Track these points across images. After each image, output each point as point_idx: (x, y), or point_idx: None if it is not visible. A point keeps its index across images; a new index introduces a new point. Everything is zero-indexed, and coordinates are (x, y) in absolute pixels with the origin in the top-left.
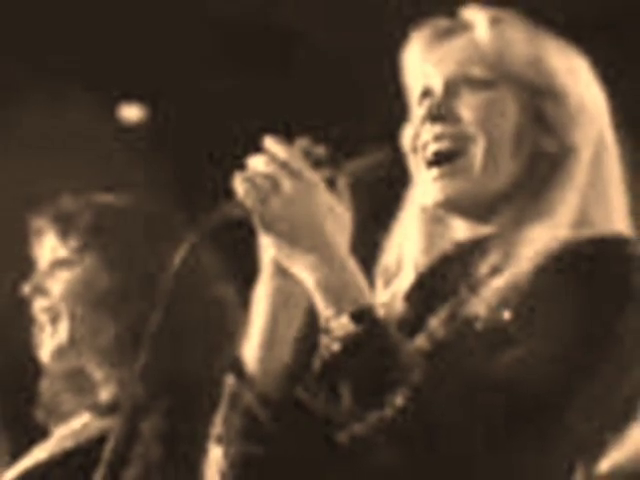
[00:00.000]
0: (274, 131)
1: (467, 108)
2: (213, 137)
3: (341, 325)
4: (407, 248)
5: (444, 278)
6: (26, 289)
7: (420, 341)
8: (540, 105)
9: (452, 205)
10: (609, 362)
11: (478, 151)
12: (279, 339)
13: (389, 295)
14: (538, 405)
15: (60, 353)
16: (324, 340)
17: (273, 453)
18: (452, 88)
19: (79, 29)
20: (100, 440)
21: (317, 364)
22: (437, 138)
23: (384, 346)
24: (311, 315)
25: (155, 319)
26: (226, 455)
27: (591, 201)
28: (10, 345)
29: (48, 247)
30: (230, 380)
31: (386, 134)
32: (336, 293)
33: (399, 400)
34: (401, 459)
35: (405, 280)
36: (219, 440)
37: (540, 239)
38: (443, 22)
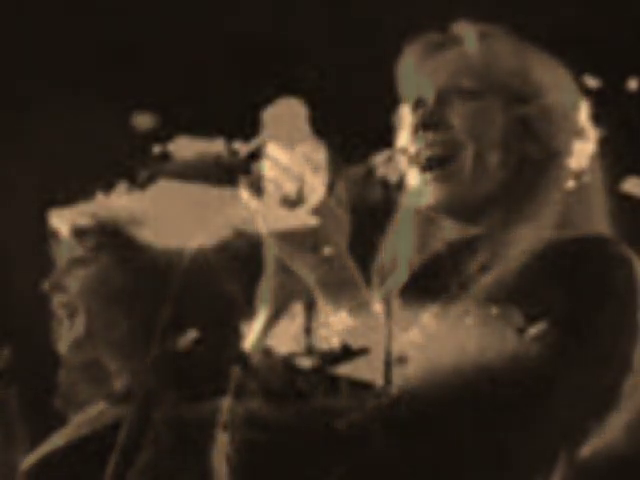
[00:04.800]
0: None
1: (457, 117)
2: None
3: (339, 320)
4: (401, 248)
5: (436, 276)
6: (46, 286)
7: (414, 335)
8: (526, 114)
9: (443, 207)
10: (590, 354)
11: (468, 157)
12: (282, 333)
13: (385, 292)
14: (524, 394)
15: (77, 346)
16: (324, 334)
17: (275, 440)
18: (444, 98)
19: (94, 44)
20: (114, 427)
21: (317, 357)
22: (429, 145)
23: (380, 340)
24: (312, 310)
25: (165, 314)
26: (232, 441)
27: (574, 204)
28: (31, 338)
29: (66, 247)
30: (236, 371)
31: (382, 141)
32: (335, 290)
33: (394, 390)
34: (396, 445)
35: (400, 278)
36: (225, 427)
37: (526, 239)
38: (435, 36)
